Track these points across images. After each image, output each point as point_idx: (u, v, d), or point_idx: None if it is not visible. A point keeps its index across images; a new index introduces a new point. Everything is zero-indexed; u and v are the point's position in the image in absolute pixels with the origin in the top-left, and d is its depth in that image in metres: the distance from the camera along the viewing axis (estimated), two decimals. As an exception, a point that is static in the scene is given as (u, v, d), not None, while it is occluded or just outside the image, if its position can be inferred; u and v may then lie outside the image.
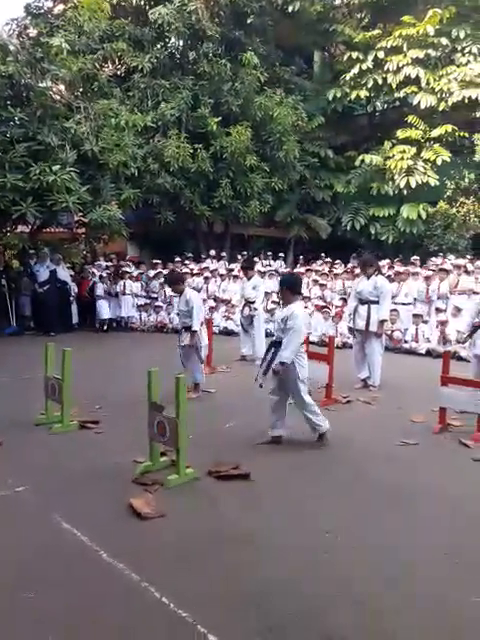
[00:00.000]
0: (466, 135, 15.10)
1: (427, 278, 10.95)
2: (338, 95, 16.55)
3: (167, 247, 15.62)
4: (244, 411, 6.17)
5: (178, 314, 12.55)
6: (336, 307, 11.23)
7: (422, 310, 10.58)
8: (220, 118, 14.61)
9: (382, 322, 7.21)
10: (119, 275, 13.38)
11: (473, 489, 4.13)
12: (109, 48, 13.57)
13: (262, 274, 12.61)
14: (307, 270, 13.68)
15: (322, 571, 3.01)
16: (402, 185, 15.01)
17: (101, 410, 6.07)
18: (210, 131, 14.53)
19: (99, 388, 7.04)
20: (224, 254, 16.03)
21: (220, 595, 2.80)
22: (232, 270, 13.55)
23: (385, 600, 2.75)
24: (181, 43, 15.71)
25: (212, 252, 15.78)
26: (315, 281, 12.79)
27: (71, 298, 12.87)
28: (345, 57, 16.43)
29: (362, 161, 15.83)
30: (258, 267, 12.29)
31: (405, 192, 15.18)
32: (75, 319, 13.10)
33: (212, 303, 12.70)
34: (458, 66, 14.94)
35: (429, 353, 9.62)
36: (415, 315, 10.30)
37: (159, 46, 15.18)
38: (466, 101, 14.57)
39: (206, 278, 13.47)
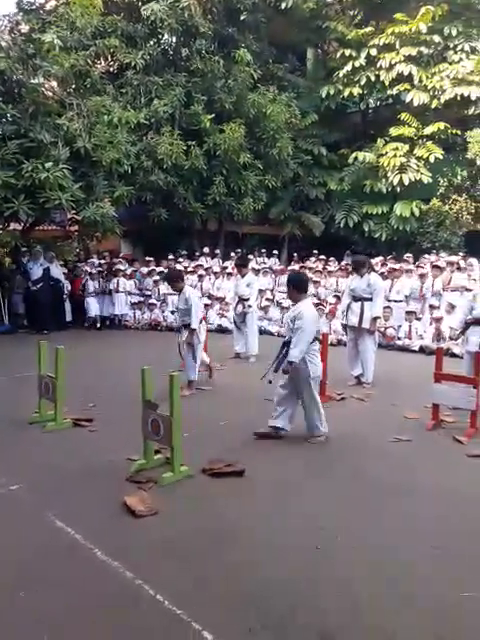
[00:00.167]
0: (458, 132, 15.12)
1: (422, 276, 10.99)
2: (331, 92, 16.53)
3: (161, 245, 15.59)
4: (238, 408, 6.18)
5: (173, 312, 12.66)
6: (330, 304, 11.24)
7: (415, 307, 10.62)
8: (213, 115, 14.58)
9: (375, 319, 7.25)
10: (112, 273, 13.35)
11: (468, 485, 4.15)
12: (101, 44, 13.50)
13: (256, 272, 12.61)
14: (301, 267, 13.67)
15: (321, 571, 3.01)
16: (395, 182, 15.03)
17: (95, 408, 6.06)
18: (203, 128, 14.49)
19: (93, 386, 7.03)
20: (218, 252, 16.01)
21: (215, 592, 2.81)
22: (226, 268, 13.55)
23: (385, 600, 2.75)
24: (174, 40, 15.65)
25: (206, 250, 15.76)
26: (309, 278, 12.77)
27: (64, 296, 12.83)
28: (338, 54, 16.41)
29: (355, 158, 15.83)
30: (252, 265, 12.30)
31: (398, 189, 15.21)
32: (68, 317, 13.06)
33: (207, 301, 12.69)
34: (450, 64, 14.96)
35: (422, 350, 9.66)
36: (408, 312, 10.34)
37: (152, 43, 15.12)
38: (458, 98, 14.60)
39: (200, 276, 13.46)
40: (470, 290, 8.47)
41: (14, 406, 6.09)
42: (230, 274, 12.67)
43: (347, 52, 16.06)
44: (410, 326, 10.14)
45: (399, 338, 10.17)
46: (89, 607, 2.71)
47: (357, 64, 15.86)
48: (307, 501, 3.85)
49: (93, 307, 12.96)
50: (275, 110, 15.21)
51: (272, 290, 13.39)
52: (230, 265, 13.37)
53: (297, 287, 5.19)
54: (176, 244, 16.06)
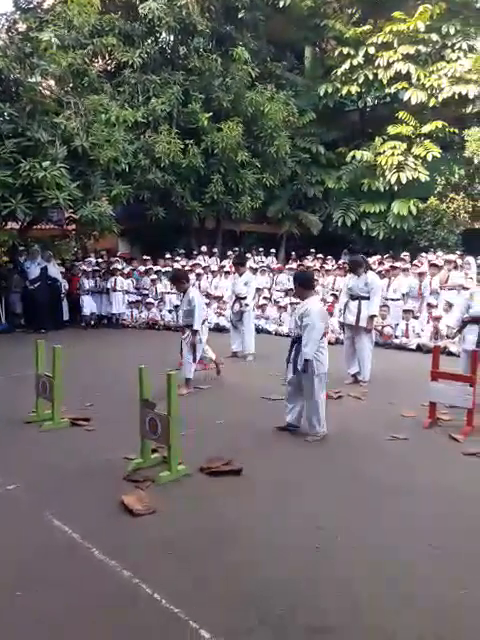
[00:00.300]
0: (456, 131, 15.14)
1: (420, 274, 11.01)
2: (329, 91, 16.53)
3: (158, 243, 15.57)
4: (236, 407, 6.19)
5: (170, 311, 12.67)
6: (327, 303, 11.25)
7: (413, 305, 10.64)
8: (211, 114, 14.56)
9: (372, 317, 7.27)
10: (110, 272, 13.35)
11: (465, 484, 4.17)
12: (99, 43, 13.46)
13: (254, 270, 12.62)
14: (299, 266, 13.70)
15: (321, 571, 3.02)
16: (393, 181, 15.05)
17: (92, 407, 6.06)
18: (201, 127, 14.48)
19: (90, 385, 7.03)
20: (216, 250, 16.01)
21: (214, 592, 2.82)
22: (224, 266, 13.55)
23: (385, 600, 2.76)
24: (171, 38, 15.62)
25: (204, 248, 15.75)
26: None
27: (62, 295, 12.83)
28: (336, 53, 16.41)
29: (353, 157, 15.84)
30: (250, 263, 12.31)
31: (396, 188, 15.23)
32: (66, 316, 13.05)
33: (205, 299, 12.69)
34: (448, 62, 14.97)
35: (419, 348, 9.68)
36: (405, 311, 10.35)
37: (149, 41, 15.09)
38: (456, 97, 14.61)
39: (198, 275, 13.46)
40: (467, 288, 8.50)
41: (11, 405, 6.10)
42: (228, 273, 12.67)
43: (345, 50, 16.05)
44: (407, 324, 10.16)
45: (396, 336, 10.19)
46: (87, 606, 2.71)
47: (355, 62, 15.87)
48: (306, 500, 3.86)
49: (88, 305, 12.98)
50: (273, 108, 15.20)
51: (269, 289, 13.40)
52: (228, 264, 13.37)
53: (303, 285, 5.29)
54: (174, 243, 16.06)
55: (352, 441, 5.13)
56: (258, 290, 11.78)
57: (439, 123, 14.87)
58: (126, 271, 13.78)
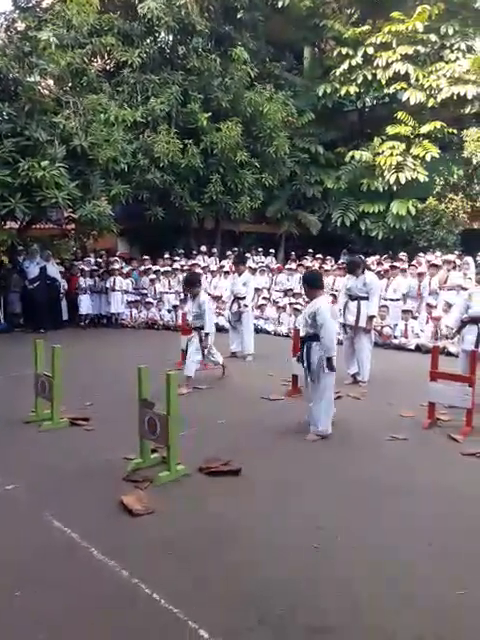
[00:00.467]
0: (454, 131, 15.15)
1: (420, 274, 11.02)
2: (328, 91, 16.53)
3: (157, 243, 15.57)
4: (236, 407, 6.19)
5: (169, 311, 12.65)
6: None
7: (412, 306, 10.65)
8: (210, 114, 14.55)
9: (371, 318, 7.27)
10: (108, 271, 13.34)
11: (464, 484, 4.17)
12: (98, 42, 13.44)
13: (253, 270, 12.62)
14: (298, 265, 13.71)
15: (321, 571, 3.02)
16: (391, 181, 15.05)
17: (91, 407, 6.06)
18: (200, 126, 14.46)
19: (89, 385, 7.03)
20: (215, 250, 16.00)
21: (214, 592, 2.82)
22: (223, 266, 13.55)
23: (385, 600, 2.76)
24: (170, 38, 15.60)
25: (203, 248, 15.75)
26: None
27: (61, 295, 12.83)
28: (335, 53, 16.41)
29: (352, 157, 15.84)
30: (249, 263, 12.30)
31: (395, 188, 15.24)
32: (65, 316, 13.05)
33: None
34: (447, 62, 14.98)
35: (418, 348, 9.69)
36: (404, 311, 10.36)
37: (148, 41, 15.06)
38: (455, 97, 14.62)
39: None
40: (466, 289, 8.50)
41: (10, 405, 6.09)
42: (227, 273, 12.66)
43: (344, 51, 16.06)
44: (406, 325, 10.16)
45: (395, 337, 10.20)
46: (87, 606, 2.71)
47: (354, 63, 15.87)
48: (306, 500, 3.85)
49: (85, 304, 12.99)
50: (272, 108, 15.19)
51: (268, 289, 13.40)
52: (227, 264, 13.37)
53: (312, 284, 5.39)
54: (173, 243, 16.05)
55: (352, 441, 5.14)
56: (257, 290, 11.78)
57: (438, 123, 14.88)
58: (125, 271, 13.78)
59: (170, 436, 4.08)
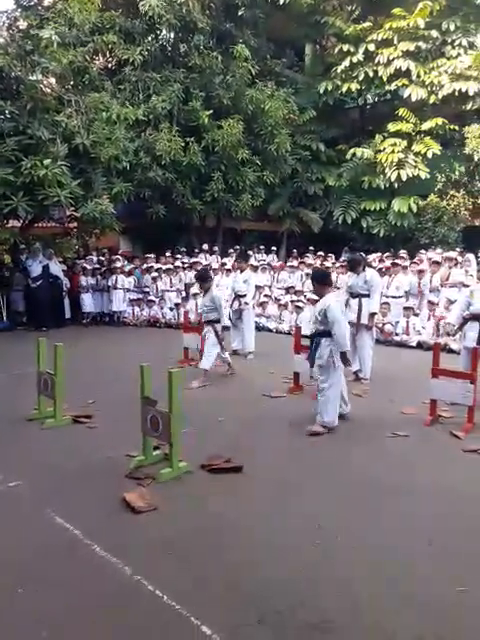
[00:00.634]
0: (456, 128, 15.12)
1: (420, 272, 11.01)
2: (329, 88, 16.51)
3: (159, 241, 15.57)
4: (237, 405, 6.21)
5: (171, 309, 12.66)
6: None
7: (413, 303, 10.64)
8: (211, 111, 14.54)
9: (372, 315, 7.28)
10: (110, 270, 13.36)
11: (465, 483, 4.17)
12: (100, 41, 13.43)
13: (254, 268, 12.62)
14: (300, 263, 13.72)
15: (321, 571, 3.03)
16: (393, 178, 15.03)
17: (94, 405, 6.08)
18: (201, 124, 14.46)
19: (92, 383, 7.05)
20: (216, 248, 16.01)
21: (212, 590, 2.83)
22: (225, 264, 13.56)
23: (385, 600, 2.76)
24: (172, 35, 15.59)
25: (204, 246, 15.76)
26: (308, 274, 12.82)
27: (63, 293, 12.86)
28: (336, 50, 16.37)
29: (353, 154, 15.83)
30: (251, 261, 12.32)
31: (396, 185, 15.21)
32: (68, 314, 13.09)
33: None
34: (448, 59, 14.95)
35: (420, 345, 9.69)
36: (406, 308, 10.36)
37: (150, 39, 15.05)
38: (456, 94, 14.59)
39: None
40: (467, 286, 8.50)
41: (13, 403, 6.12)
42: (229, 270, 12.68)
43: (345, 47, 16.02)
44: (408, 322, 10.16)
45: (397, 334, 10.20)
46: (89, 604, 2.73)
47: (355, 60, 15.85)
48: (306, 500, 3.86)
49: (87, 303, 13.03)
50: (273, 106, 15.18)
51: (270, 287, 13.41)
52: (229, 262, 13.38)
53: (321, 281, 5.54)
54: (175, 241, 16.06)
55: (353, 439, 5.14)
56: (259, 288, 11.78)
57: (439, 120, 14.85)
58: (128, 269, 13.80)
59: (172, 433, 4.10)
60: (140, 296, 13.46)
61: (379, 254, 13.25)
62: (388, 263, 11.78)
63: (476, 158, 14.45)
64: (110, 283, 13.09)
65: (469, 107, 14.89)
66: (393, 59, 15.16)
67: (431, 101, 15.02)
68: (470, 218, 14.95)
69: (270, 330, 11.66)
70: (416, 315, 10.38)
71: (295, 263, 13.89)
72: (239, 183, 15.18)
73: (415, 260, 12.05)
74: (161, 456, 4.48)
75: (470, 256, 10.92)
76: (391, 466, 4.47)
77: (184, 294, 13.38)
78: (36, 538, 3.34)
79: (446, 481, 4.18)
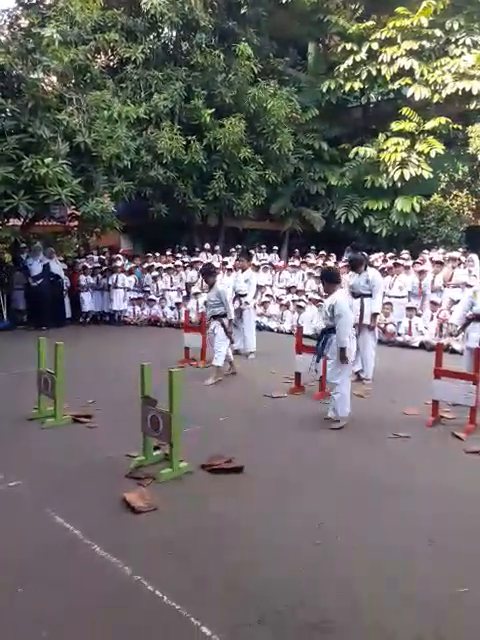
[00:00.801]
0: (460, 127, 15.09)
1: (420, 272, 10.97)
2: (332, 87, 16.49)
3: (161, 241, 15.56)
4: (238, 405, 6.19)
5: (172, 308, 12.64)
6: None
7: (415, 303, 10.61)
8: (213, 110, 14.53)
9: (375, 315, 7.24)
10: (111, 269, 13.35)
11: (466, 483, 4.15)
12: (101, 39, 13.42)
13: (256, 268, 12.59)
14: (302, 263, 13.69)
15: (321, 571, 3.01)
16: (396, 178, 15.01)
17: (94, 404, 6.06)
18: (203, 123, 14.44)
19: (92, 382, 7.03)
20: (218, 248, 15.99)
21: (211, 590, 2.81)
22: (226, 263, 13.53)
23: (385, 600, 2.74)
24: (174, 34, 15.59)
25: (206, 245, 15.74)
26: (310, 274, 12.81)
27: (64, 292, 12.85)
28: (339, 48, 16.36)
29: (356, 153, 15.81)
30: (253, 260, 12.29)
31: (399, 185, 15.19)
32: (68, 313, 13.07)
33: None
34: (452, 58, 14.92)
35: (423, 346, 9.65)
36: (408, 308, 10.32)
37: (152, 37, 15.04)
38: (460, 93, 14.57)
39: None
40: (470, 286, 8.46)
41: (13, 402, 6.10)
42: (230, 270, 12.65)
43: (348, 46, 16.01)
44: (410, 322, 10.12)
45: (399, 334, 10.16)
46: (89, 603, 2.71)
47: (358, 58, 15.83)
48: (307, 500, 3.84)
49: (86, 302, 13.04)
50: (276, 105, 15.15)
51: (272, 286, 13.38)
52: (230, 261, 13.35)
53: (329, 279, 5.59)
54: (176, 240, 16.04)
55: (354, 439, 5.12)
56: (260, 287, 11.74)
57: (443, 119, 14.81)
58: (128, 268, 13.78)
59: (173, 433, 4.07)
60: (141, 295, 13.44)
61: (381, 254, 13.21)
62: (391, 263, 11.74)
63: None
64: (111, 282, 13.07)
65: (473, 106, 14.85)
66: (396, 58, 15.14)
67: (434, 100, 14.99)
68: (473, 218, 14.93)
69: (271, 330, 11.63)
70: (419, 315, 10.34)
71: (297, 263, 13.86)
72: (241, 182, 15.16)
73: (418, 260, 12.00)
74: (161, 456, 4.46)
75: (473, 256, 10.87)
76: (392, 466, 4.45)
77: (185, 293, 13.36)
78: (36, 538, 3.32)
79: (447, 482, 4.15)
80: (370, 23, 15.89)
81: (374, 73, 15.71)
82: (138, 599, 2.73)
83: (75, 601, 2.73)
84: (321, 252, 14.75)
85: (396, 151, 14.94)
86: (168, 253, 14.59)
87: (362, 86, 16.22)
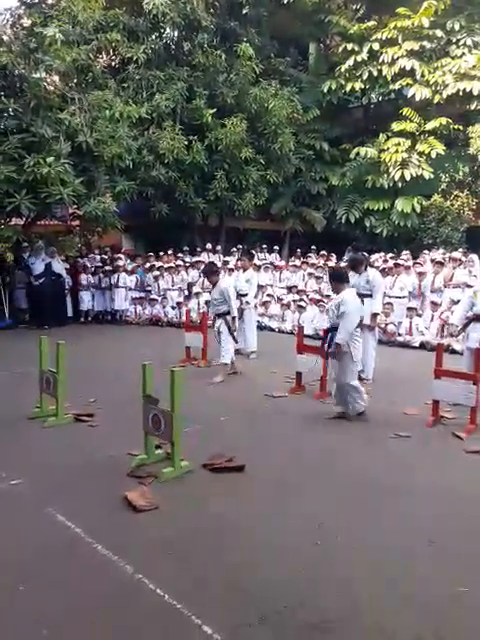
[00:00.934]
0: (460, 128, 15.10)
1: (420, 274, 10.98)
2: (333, 87, 16.51)
3: (162, 240, 15.57)
4: (239, 404, 6.20)
5: (173, 307, 12.67)
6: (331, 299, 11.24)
7: (416, 303, 10.62)
8: (215, 110, 14.54)
9: (375, 315, 7.25)
10: (113, 268, 13.36)
11: (466, 484, 4.16)
12: (103, 39, 13.45)
13: (257, 268, 12.60)
14: (303, 263, 13.70)
15: (321, 571, 3.02)
16: (397, 178, 15.02)
17: (95, 403, 6.08)
18: (205, 123, 14.46)
19: (93, 381, 7.04)
20: (219, 247, 16.00)
21: (213, 587, 2.83)
22: (227, 263, 13.54)
23: (385, 600, 2.75)
24: (176, 34, 15.61)
25: (207, 245, 15.75)
26: (311, 274, 12.82)
27: (65, 291, 12.87)
28: (340, 49, 16.38)
29: (357, 154, 15.82)
30: (254, 260, 12.28)
31: (400, 185, 15.21)
32: (70, 312, 13.10)
33: (208, 296, 12.69)
34: (453, 58, 14.93)
35: (423, 346, 9.66)
36: (409, 308, 10.33)
37: (154, 37, 15.06)
38: (460, 94, 14.58)
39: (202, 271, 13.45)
40: (471, 286, 8.47)
41: (15, 401, 6.11)
42: (231, 270, 12.66)
43: (349, 46, 16.03)
44: (411, 322, 10.14)
45: (400, 334, 10.17)
46: (91, 601, 2.72)
47: (359, 59, 15.85)
48: (307, 500, 3.85)
49: (85, 300, 13.07)
50: (277, 105, 15.16)
51: (273, 286, 13.39)
52: (231, 261, 13.36)
53: (339, 279, 5.71)
54: (177, 239, 16.04)
55: (355, 439, 5.13)
56: (261, 287, 11.75)
57: (443, 120, 14.83)
58: (130, 268, 13.80)
59: (174, 432, 4.09)
60: (142, 295, 13.46)
61: (382, 254, 13.23)
62: (391, 263, 11.75)
63: (480, 158, 14.44)
64: (112, 281, 13.09)
65: (473, 107, 14.86)
66: (397, 58, 15.15)
67: (435, 101, 15.01)
68: (474, 218, 14.93)
69: (272, 330, 11.65)
70: (419, 315, 10.36)
71: (298, 262, 13.87)
72: (242, 182, 15.17)
73: (418, 261, 12.02)
74: (163, 455, 4.48)
75: (474, 256, 10.88)
76: (392, 466, 4.46)
77: (186, 293, 13.37)
78: (37, 536, 3.34)
79: (447, 482, 4.17)
80: (371, 23, 15.91)
81: (375, 73, 15.73)
82: (140, 598, 2.74)
83: (77, 599, 2.74)
84: (322, 252, 14.75)
85: (397, 151, 14.96)
86: (169, 253, 14.60)
87: (363, 86, 16.24)
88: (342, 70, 16.14)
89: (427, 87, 15.03)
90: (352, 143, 16.79)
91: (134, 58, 14.17)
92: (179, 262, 13.97)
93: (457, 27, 14.97)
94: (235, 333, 7.63)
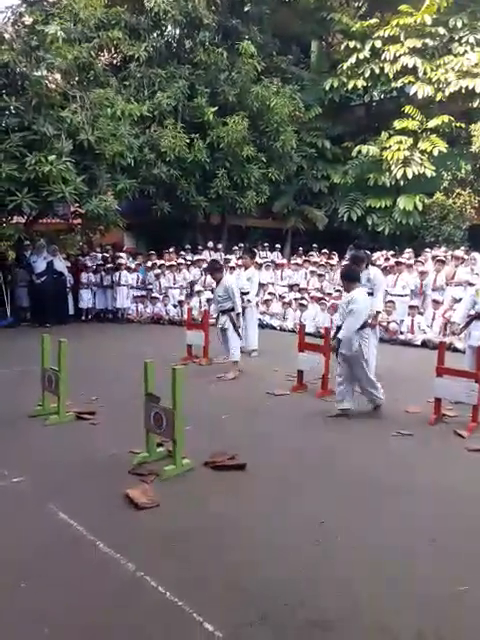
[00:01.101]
0: (462, 126, 15.06)
1: (422, 273, 10.97)
2: (335, 85, 16.48)
3: (164, 238, 15.58)
4: (240, 402, 6.20)
5: (175, 306, 12.67)
6: (332, 298, 11.24)
7: (418, 302, 10.61)
8: (217, 108, 14.53)
9: (377, 313, 7.23)
10: (115, 266, 13.37)
11: (467, 483, 4.15)
12: (105, 36, 13.42)
13: (258, 266, 12.59)
14: (304, 261, 13.69)
15: (321, 571, 3.02)
16: (399, 176, 14.99)
17: (97, 401, 6.08)
18: (206, 121, 14.45)
19: (95, 379, 7.05)
20: (220, 246, 16.00)
21: (214, 586, 2.83)
22: (228, 261, 13.54)
23: (385, 600, 2.74)
24: (177, 32, 15.58)
25: (209, 243, 15.75)
26: (313, 272, 12.81)
27: (67, 289, 12.88)
28: (342, 46, 16.36)
29: (359, 152, 15.79)
30: (256, 259, 12.27)
31: (402, 183, 15.17)
32: (71, 310, 13.11)
33: (209, 295, 12.70)
34: (455, 56, 14.87)
35: (425, 344, 9.66)
36: (411, 306, 10.32)
37: (155, 35, 15.05)
38: (463, 91, 14.53)
39: (205, 269, 13.47)
40: (473, 284, 8.46)
41: (16, 399, 6.12)
42: (233, 268, 12.66)
43: (351, 44, 16.00)
44: (412, 320, 10.13)
45: (402, 332, 10.17)
46: (92, 599, 2.72)
47: (361, 56, 15.81)
48: (308, 499, 3.84)
49: (85, 299, 13.10)
50: (279, 103, 15.14)
51: (274, 284, 13.38)
52: (233, 259, 13.36)
53: (350, 278, 5.74)
54: (179, 238, 16.05)
55: (356, 437, 5.13)
56: (263, 286, 11.75)
57: (446, 117, 14.79)
58: (132, 266, 13.81)
59: (176, 430, 4.09)
60: (144, 293, 13.47)
61: (384, 252, 13.21)
62: (393, 261, 11.74)
63: (482, 156, 14.40)
64: (114, 280, 13.10)
65: (476, 104, 14.80)
66: (399, 56, 15.11)
67: (437, 98, 14.96)
68: (476, 216, 14.90)
69: (274, 328, 11.65)
70: (421, 314, 10.35)
71: (299, 261, 13.86)
72: (244, 180, 15.16)
73: (420, 259, 12.00)
74: (164, 453, 4.48)
75: (476, 255, 10.87)
76: (393, 465, 4.46)
77: (188, 291, 13.37)
78: (39, 534, 3.34)
79: (448, 481, 4.16)
80: (373, 21, 15.87)
81: (377, 71, 15.69)
82: (141, 596, 2.74)
83: (78, 597, 2.74)
84: (324, 250, 14.74)
85: (399, 149, 14.93)
86: (171, 251, 14.60)
87: (365, 84, 16.20)
88: (344, 68, 16.10)
89: (429, 85, 14.98)
90: (354, 141, 16.76)
91: (135, 56, 14.15)
92: (181, 260, 13.98)
93: (460, 24, 14.91)
94: (240, 329, 7.65)
